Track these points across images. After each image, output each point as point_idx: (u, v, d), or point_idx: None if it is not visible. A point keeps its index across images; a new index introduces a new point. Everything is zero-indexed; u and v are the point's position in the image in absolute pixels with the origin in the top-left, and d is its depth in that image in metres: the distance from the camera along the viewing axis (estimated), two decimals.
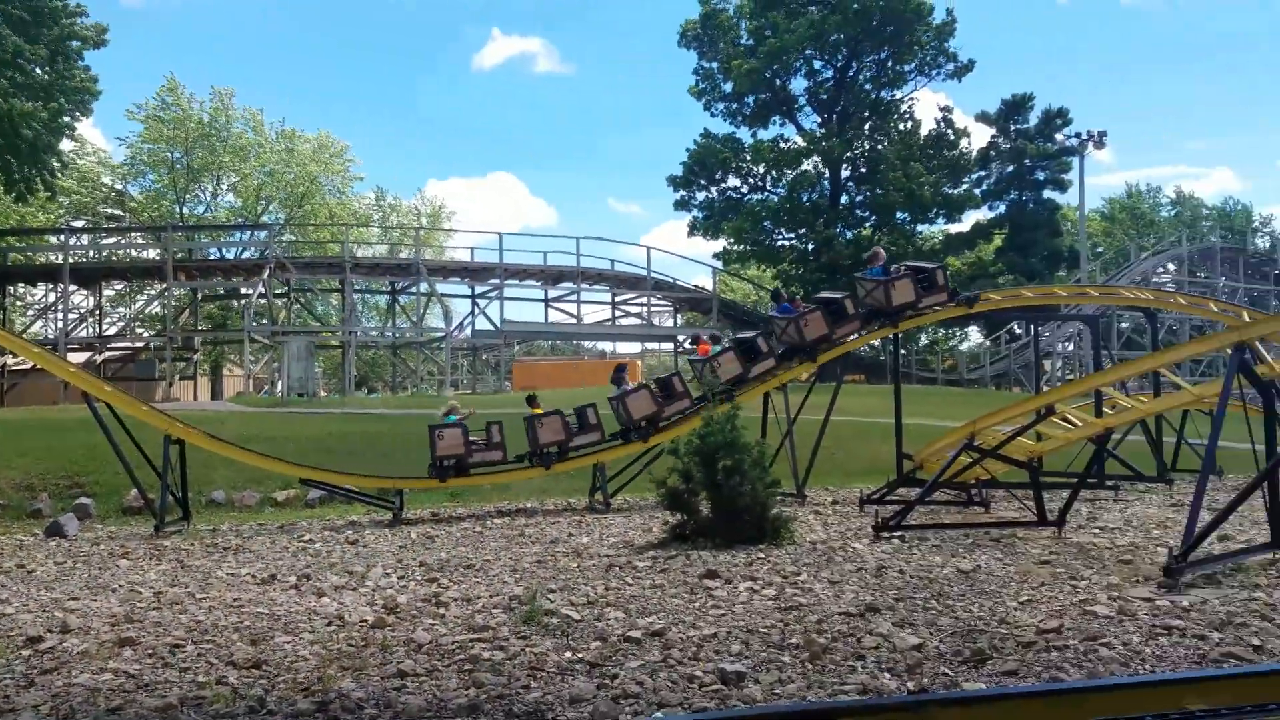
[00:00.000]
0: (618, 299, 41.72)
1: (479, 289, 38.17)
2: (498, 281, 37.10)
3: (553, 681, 4.90)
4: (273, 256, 34.71)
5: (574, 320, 39.74)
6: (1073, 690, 2.31)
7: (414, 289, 37.86)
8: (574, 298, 39.46)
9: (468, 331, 39.60)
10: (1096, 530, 10.15)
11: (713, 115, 46.13)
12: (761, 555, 8.77)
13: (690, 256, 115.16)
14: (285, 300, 38.68)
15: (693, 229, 46.23)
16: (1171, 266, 47.90)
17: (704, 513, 9.91)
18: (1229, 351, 8.19)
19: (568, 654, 5.39)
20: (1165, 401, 12.79)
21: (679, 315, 45.26)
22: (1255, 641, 5.15)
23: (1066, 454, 14.29)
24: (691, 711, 4.34)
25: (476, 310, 38.24)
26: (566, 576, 8.03)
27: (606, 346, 50.01)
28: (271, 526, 12.45)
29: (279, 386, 32.95)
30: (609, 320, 42.06)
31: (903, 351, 43.85)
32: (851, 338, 15.20)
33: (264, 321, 34.93)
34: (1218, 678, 2.45)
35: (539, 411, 14.56)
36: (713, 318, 42.66)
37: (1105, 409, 13.43)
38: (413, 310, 39.47)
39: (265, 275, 33.63)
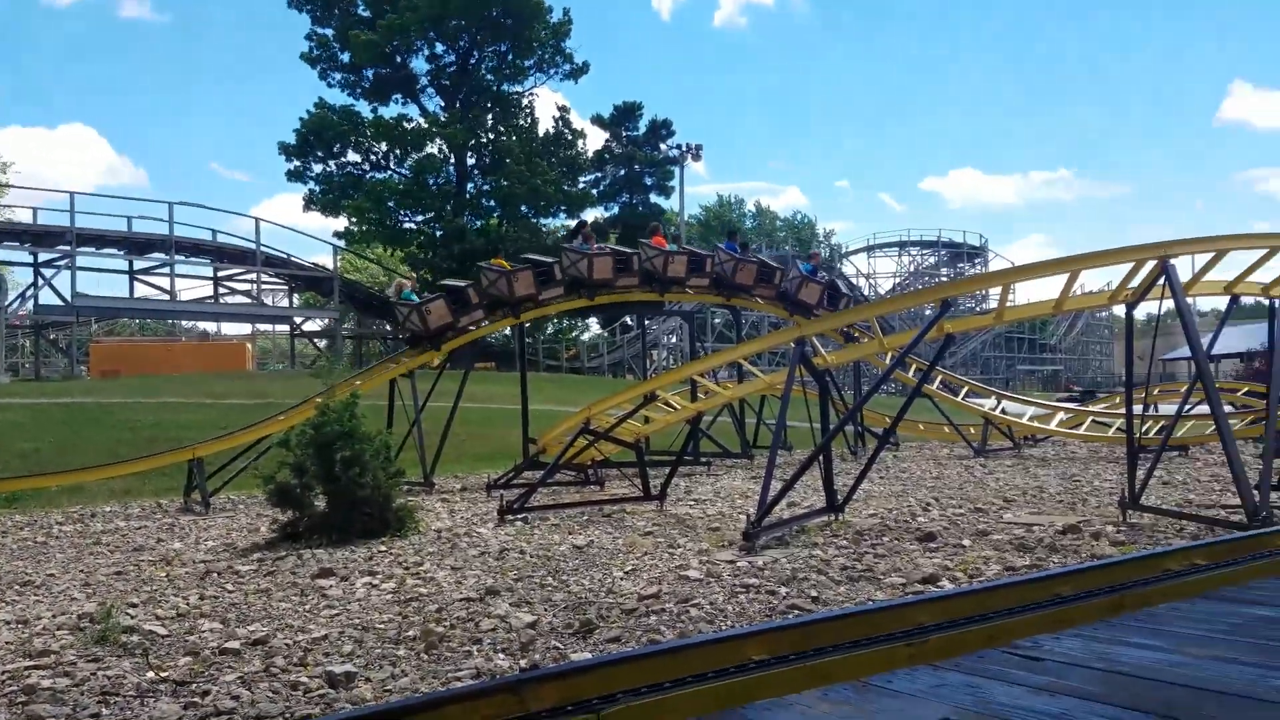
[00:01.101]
0: (221, 274, 38.03)
1: (44, 256, 32.54)
2: (68, 248, 31.89)
3: (130, 706, 4.33)
4: None
5: (167, 296, 35.49)
6: (662, 652, 2.51)
7: None
8: (166, 270, 35.25)
9: (29, 306, 33.69)
10: (692, 502, 11.22)
11: (329, 85, 43.86)
12: (384, 548, 8.51)
13: (309, 232, 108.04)
14: None
15: (309, 203, 43.66)
16: None
17: (320, 508, 9.38)
18: (793, 345, 9.47)
19: (150, 674, 4.80)
20: (745, 388, 14.50)
21: (295, 295, 42.47)
22: (814, 594, 5.97)
23: (669, 434, 15.68)
24: None
25: (41, 281, 32.63)
26: (152, 588, 7.16)
27: (209, 326, 45.53)
28: None
29: None
30: (210, 298, 38.20)
31: (529, 340, 45.28)
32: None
33: None
34: (783, 628, 2.79)
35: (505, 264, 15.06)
36: (334, 299, 40.61)
37: (699, 394, 14.91)
38: None
39: None
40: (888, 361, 12.96)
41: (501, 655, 4.85)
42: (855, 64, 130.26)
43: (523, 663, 4.67)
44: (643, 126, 51.81)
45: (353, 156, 43.41)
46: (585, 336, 56.09)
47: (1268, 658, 2.18)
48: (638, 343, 42.33)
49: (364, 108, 43.54)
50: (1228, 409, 14.73)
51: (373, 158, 43.56)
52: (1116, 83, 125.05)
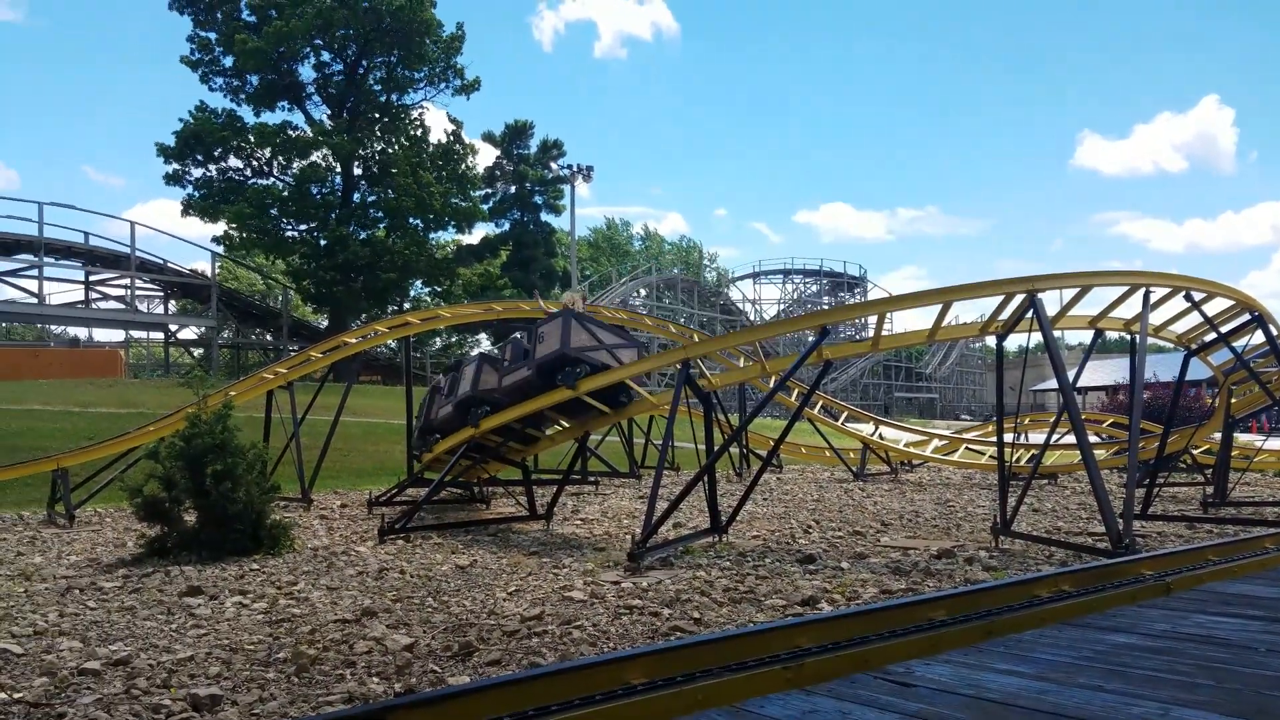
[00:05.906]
0: (93, 278, 36.06)
1: None
2: None
3: None
4: None
5: (34, 299, 33.39)
6: (539, 676, 2.49)
7: None
8: (34, 273, 33.19)
9: None
10: (579, 521, 11.18)
11: (211, 89, 42.36)
12: (256, 566, 8.18)
13: (187, 238, 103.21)
14: None
15: (188, 208, 41.78)
16: (643, 292, 55.35)
17: (190, 523, 8.97)
18: (679, 366, 9.53)
19: (1, 695, 4.48)
20: (632, 408, 14.57)
21: (171, 302, 40.55)
22: (696, 615, 6.01)
23: (556, 453, 15.61)
24: None
25: None
26: (9, 604, 6.70)
27: (80, 332, 43.05)
28: None
29: None
30: (82, 302, 36.13)
31: (416, 354, 44.37)
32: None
33: None
34: (663, 651, 2.81)
35: None
36: (212, 307, 38.95)
37: None
38: None
39: None
40: (770, 385, 13.27)
41: (375, 679, 4.71)
42: (729, 97, 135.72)
43: (397, 686, 4.55)
44: (534, 146, 52.18)
45: (234, 162, 41.81)
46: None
47: (1127, 684, 2.29)
48: None
49: (247, 113, 42.14)
50: (1093, 439, 15.64)
51: (255, 164, 42.05)
52: (975, 130, 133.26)
